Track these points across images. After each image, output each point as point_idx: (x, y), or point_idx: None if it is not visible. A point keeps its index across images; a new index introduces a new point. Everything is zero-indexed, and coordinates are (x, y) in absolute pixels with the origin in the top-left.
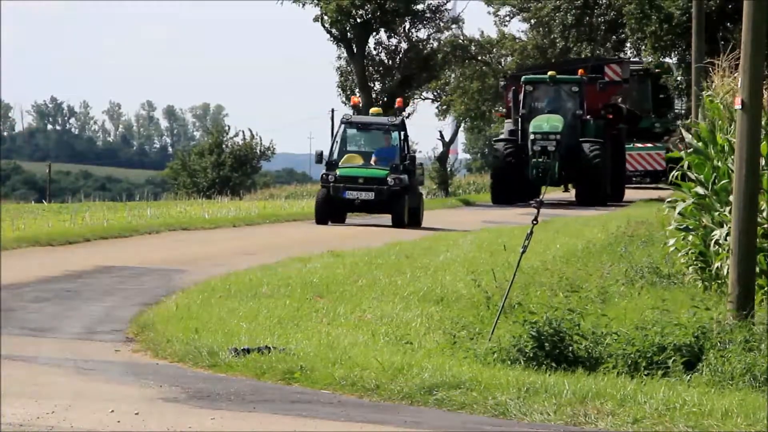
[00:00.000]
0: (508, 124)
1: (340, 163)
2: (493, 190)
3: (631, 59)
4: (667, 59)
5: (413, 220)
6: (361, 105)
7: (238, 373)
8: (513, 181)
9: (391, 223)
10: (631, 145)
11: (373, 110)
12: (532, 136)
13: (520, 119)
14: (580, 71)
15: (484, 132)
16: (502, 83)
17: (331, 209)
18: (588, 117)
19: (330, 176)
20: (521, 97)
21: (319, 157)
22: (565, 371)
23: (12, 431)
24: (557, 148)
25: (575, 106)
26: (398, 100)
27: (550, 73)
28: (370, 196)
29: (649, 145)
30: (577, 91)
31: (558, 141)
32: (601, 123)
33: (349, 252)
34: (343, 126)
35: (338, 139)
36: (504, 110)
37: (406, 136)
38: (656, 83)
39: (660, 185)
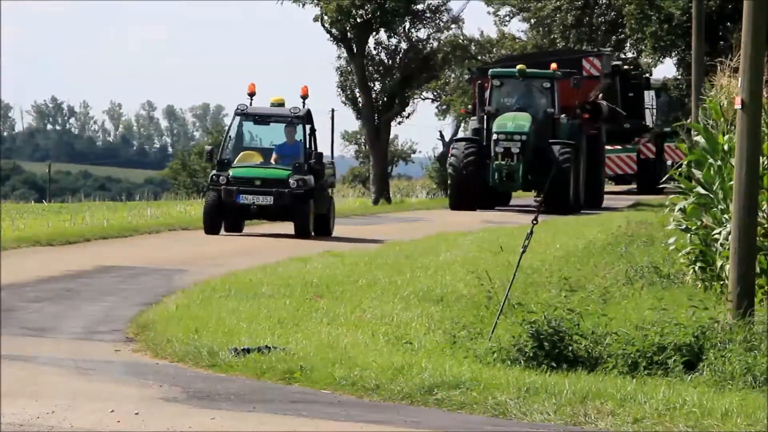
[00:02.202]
0: (473, 123)
1: (234, 162)
2: (451, 195)
3: (613, 53)
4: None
5: (321, 229)
6: (256, 93)
7: (238, 373)
8: (474, 185)
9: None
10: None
11: (273, 99)
12: (494, 136)
13: (485, 117)
14: (552, 65)
15: None
16: (467, 76)
17: (224, 216)
18: (562, 116)
19: (221, 177)
20: (487, 92)
21: (209, 155)
22: (565, 371)
23: (12, 431)
24: (522, 150)
25: (547, 104)
26: (303, 87)
27: (519, 66)
28: (269, 200)
29: (619, 147)
30: (549, 87)
31: (523, 142)
32: (576, 123)
33: (349, 252)
34: (237, 118)
35: (232, 133)
36: (470, 107)
37: (312, 129)
38: (626, 81)
39: (633, 188)
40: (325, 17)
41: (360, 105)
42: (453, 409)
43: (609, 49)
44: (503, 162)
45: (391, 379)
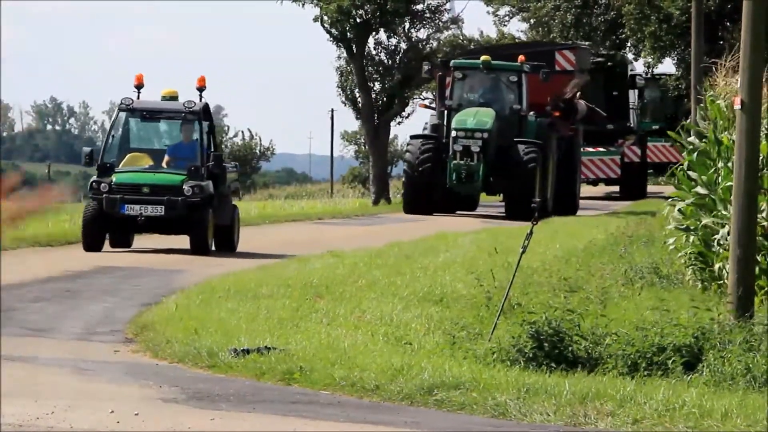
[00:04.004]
0: (432, 118)
1: (118, 167)
2: (406, 197)
3: (592, 48)
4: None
5: (224, 244)
6: (144, 84)
7: (238, 373)
8: (431, 186)
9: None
10: (582, 150)
11: (165, 91)
12: (453, 133)
13: (445, 112)
14: (520, 57)
15: None
16: (426, 68)
17: (107, 230)
18: (530, 113)
19: (102, 184)
20: (449, 85)
21: (88, 158)
22: (564, 372)
23: (12, 431)
24: (484, 149)
25: (513, 99)
26: (199, 77)
27: (483, 58)
28: (159, 210)
29: (602, 149)
30: (515, 81)
31: (485, 140)
32: (545, 121)
33: (349, 252)
34: (122, 114)
35: (115, 132)
36: (430, 101)
37: (211, 127)
38: (609, 79)
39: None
40: (325, 17)
41: (359, 105)
42: (453, 409)
43: (587, 43)
44: (462, 162)
45: (390, 379)
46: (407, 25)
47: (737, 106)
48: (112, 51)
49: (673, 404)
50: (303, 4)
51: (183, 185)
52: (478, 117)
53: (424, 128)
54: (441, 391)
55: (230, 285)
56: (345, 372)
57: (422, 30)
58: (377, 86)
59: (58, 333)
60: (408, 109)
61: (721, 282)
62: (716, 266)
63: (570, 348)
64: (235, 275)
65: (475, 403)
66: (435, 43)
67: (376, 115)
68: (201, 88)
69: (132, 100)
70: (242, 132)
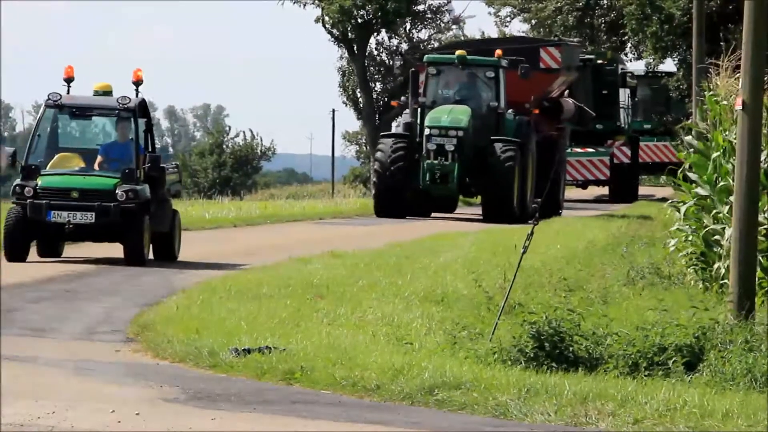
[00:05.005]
0: (405, 116)
1: (45, 169)
2: (377, 200)
3: (581, 45)
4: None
5: (163, 252)
6: (74, 77)
7: (239, 373)
8: (402, 188)
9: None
10: (569, 150)
11: (97, 86)
12: (427, 131)
13: (419, 110)
14: (497, 51)
15: None
16: (398, 62)
17: (32, 238)
18: (509, 111)
19: (26, 188)
20: (422, 81)
21: (12, 159)
22: (565, 372)
23: (12, 431)
24: (459, 148)
25: (490, 96)
26: (135, 70)
27: (458, 52)
28: (89, 217)
29: (591, 150)
30: (493, 77)
31: (460, 139)
32: (525, 119)
33: (350, 252)
34: (49, 111)
35: (42, 131)
36: (404, 98)
37: (149, 125)
38: (598, 77)
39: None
40: (327, 18)
41: (361, 105)
42: (453, 409)
43: (575, 39)
44: (436, 161)
45: (391, 379)
46: (408, 25)
47: (738, 107)
48: (111, 51)
49: (674, 404)
50: (304, 5)
51: (116, 189)
52: (453, 114)
53: (397, 126)
54: (442, 391)
55: (231, 285)
56: (346, 372)
57: (423, 30)
58: (378, 86)
59: (59, 333)
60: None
61: (723, 282)
62: (717, 266)
63: (571, 348)
64: (236, 275)
65: (476, 403)
66: (436, 44)
67: (377, 116)
68: (137, 83)
69: (60, 95)
70: (243, 132)
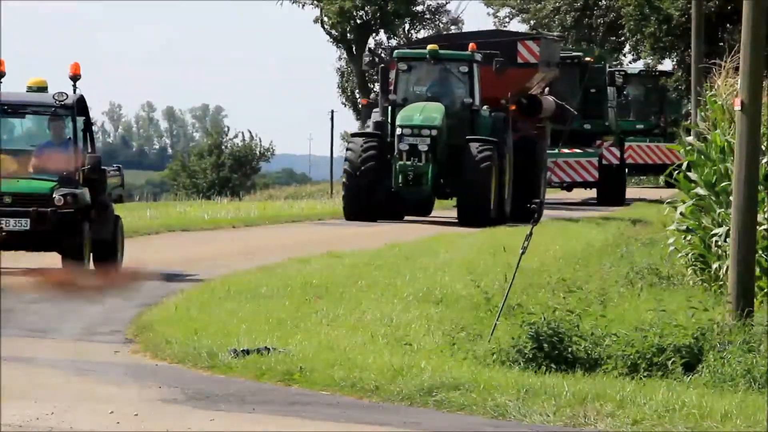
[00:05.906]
0: (375, 115)
1: None
2: (346, 201)
3: (561, 40)
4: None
5: (104, 260)
6: (5, 73)
7: (238, 374)
8: (373, 190)
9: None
10: (556, 151)
11: (31, 81)
12: (398, 131)
13: (389, 108)
14: (470, 45)
15: None
16: (366, 59)
17: None
18: (483, 107)
19: None
20: (392, 78)
21: None
22: (564, 372)
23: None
24: (432, 148)
25: (464, 93)
26: (72, 64)
27: (430, 47)
28: (24, 224)
29: (578, 150)
30: (466, 72)
31: (434, 138)
32: (501, 117)
33: (349, 253)
34: None
35: None
36: (374, 96)
37: (88, 123)
38: (585, 75)
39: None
40: (326, 19)
41: (359, 106)
42: (452, 410)
43: (556, 33)
44: (408, 162)
45: (390, 380)
46: (407, 26)
47: (737, 108)
48: (112, 52)
49: (673, 405)
50: (303, 6)
51: (53, 194)
52: (426, 113)
53: (366, 126)
54: (441, 391)
55: (230, 286)
56: (345, 372)
57: (422, 31)
58: (377, 87)
59: (58, 334)
60: None
61: (721, 283)
62: (716, 267)
63: (570, 349)
64: (235, 276)
65: (474, 403)
66: None
67: None
68: (75, 77)
69: None
70: (242, 133)
